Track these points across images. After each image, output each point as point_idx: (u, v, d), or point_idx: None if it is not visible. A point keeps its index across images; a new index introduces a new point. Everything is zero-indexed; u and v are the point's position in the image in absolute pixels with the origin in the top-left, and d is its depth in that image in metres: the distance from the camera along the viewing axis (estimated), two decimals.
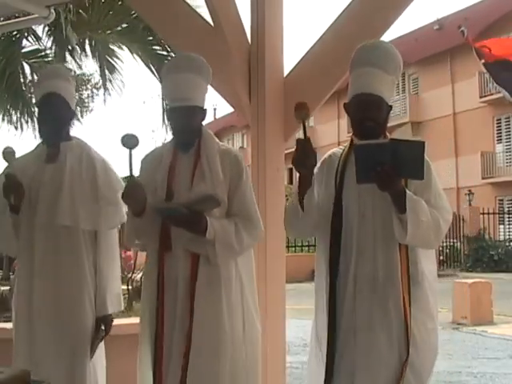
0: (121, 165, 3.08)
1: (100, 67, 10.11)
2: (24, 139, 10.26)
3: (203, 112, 2.76)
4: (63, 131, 3.09)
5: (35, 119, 10.31)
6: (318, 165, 2.75)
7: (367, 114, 2.58)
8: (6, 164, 2.96)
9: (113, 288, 3.01)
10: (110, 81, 10.09)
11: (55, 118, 3.03)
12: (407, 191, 2.48)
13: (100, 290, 2.97)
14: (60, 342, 2.88)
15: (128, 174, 2.58)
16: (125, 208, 2.89)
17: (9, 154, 2.94)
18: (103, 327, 2.97)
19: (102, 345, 3.04)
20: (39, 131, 3.16)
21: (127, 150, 2.57)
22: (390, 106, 2.65)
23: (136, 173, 2.68)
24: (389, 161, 2.39)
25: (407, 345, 2.46)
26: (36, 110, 3.33)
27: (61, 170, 3.00)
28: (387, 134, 2.65)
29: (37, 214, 2.97)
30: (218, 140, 2.82)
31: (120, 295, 3.08)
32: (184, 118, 2.67)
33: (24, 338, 2.92)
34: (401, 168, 2.41)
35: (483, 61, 5.25)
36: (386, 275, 2.53)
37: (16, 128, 10.08)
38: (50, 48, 9.37)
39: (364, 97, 2.58)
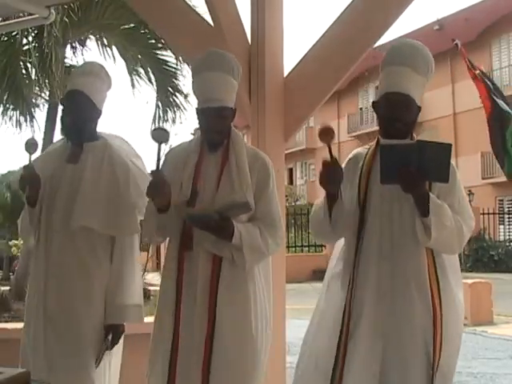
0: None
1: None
2: (24, 139, 10.27)
3: (233, 112, 2.72)
4: (85, 130, 3.00)
5: (35, 119, 10.33)
6: (344, 164, 2.69)
7: (396, 114, 2.53)
8: (27, 155, 2.92)
9: (123, 298, 2.89)
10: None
11: (75, 116, 2.96)
12: (431, 194, 2.43)
13: (108, 299, 2.88)
14: (70, 344, 2.82)
15: (154, 167, 2.54)
16: (144, 204, 2.84)
17: (31, 145, 2.90)
18: (109, 337, 2.86)
19: (118, 349, 2.96)
20: (61, 129, 3.08)
21: (156, 144, 2.54)
22: (419, 107, 2.59)
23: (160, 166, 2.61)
24: (414, 162, 2.35)
25: (434, 348, 2.42)
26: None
27: (80, 170, 2.94)
28: (414, 135, 2.61)
29: (54, 213, 2.92)
30: (246, 141, 2.77)
31: (130, 307, 2.90)
32: (215, 118, 2.63)
33: (37, 339, 2.85)
34: (426, 170, 2.37)
35: (478, 71, 5.36)
36: (416, 278, 2.48)
37: (16, 127, 10.09)
38: (50, 47, 9.36)
39: (393, 96, 2.52)
